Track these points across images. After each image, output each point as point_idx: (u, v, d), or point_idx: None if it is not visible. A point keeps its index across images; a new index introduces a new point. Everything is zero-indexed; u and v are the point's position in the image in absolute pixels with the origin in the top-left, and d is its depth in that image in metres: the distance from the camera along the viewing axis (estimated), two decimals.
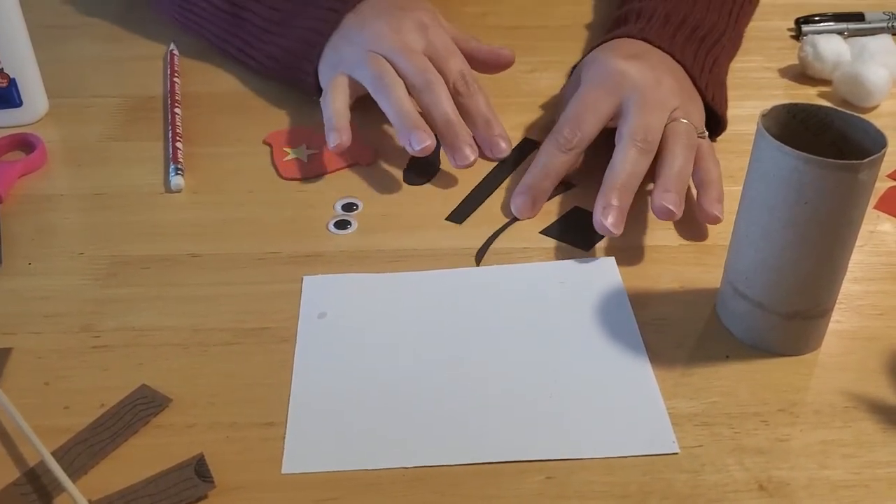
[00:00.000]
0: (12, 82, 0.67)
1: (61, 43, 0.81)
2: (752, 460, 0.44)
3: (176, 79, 0.74)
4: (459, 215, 0.61)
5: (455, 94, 0.64)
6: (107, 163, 0.65)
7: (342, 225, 0.59)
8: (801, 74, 0.77)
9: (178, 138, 0.66)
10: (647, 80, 0.61)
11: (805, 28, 0.83)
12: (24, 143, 0.67)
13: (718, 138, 0.67)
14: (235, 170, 0.65)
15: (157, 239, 0.58)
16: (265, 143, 0.67)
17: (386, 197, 0.62)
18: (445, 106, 0.63)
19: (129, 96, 0.74)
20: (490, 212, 0.61)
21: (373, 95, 0.64)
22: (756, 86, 0.76)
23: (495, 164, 0.65)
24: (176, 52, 0.78)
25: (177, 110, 0.70)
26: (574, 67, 0.68)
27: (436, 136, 0.62)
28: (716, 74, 0.68)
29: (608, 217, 0.55)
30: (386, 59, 0.64)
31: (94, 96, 0.74)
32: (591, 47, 0.68)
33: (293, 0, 0.71)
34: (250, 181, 0.63)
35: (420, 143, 0.60)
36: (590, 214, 0.59)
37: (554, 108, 0.72)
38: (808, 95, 0.75)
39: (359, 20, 0.68)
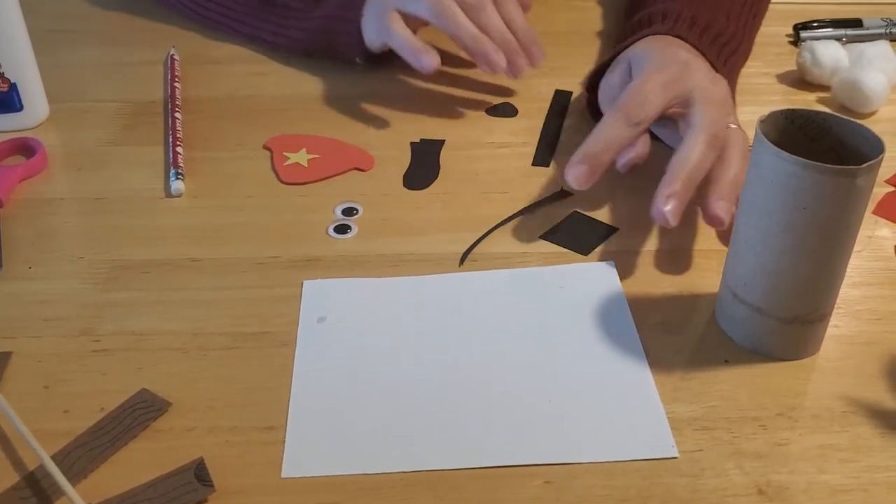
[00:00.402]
0: (13, 87, 0.68)
1: (62, 48, 0.81)
2: (751, 464, 0.44)
3: (176, 83, 0.74)
4: (543, 158, 0.65)
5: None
6: (107, 167, 0.66)
7: (342, 229, 0.59)
8: (800, 80, 0.78)
9: (178, 143, 0.66)
10: (708, 77, 0.61)
11: (803, 34, 0.84)
12: (25, 148, 0.67)
13: None
14: (236, 174, 0.65)
15: (157, 243, 0.58)
16: (265, 147, 0.68)
17: (386, 201, 0.62)
18: (498, 23, 0.69)
19: (130, 101, 0.74)
20: (488, 218, 0.61)
21: (435, 21, 0.68)
22: (755, 91, 0.76)
23: (543, 120, 0.71)
24: (177, 56, 0.78)
25: (177, 115, 0.70)
26: (604, 65, 0.67)
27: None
28: (731, 82, 0.68)
29: (668, 205, 0.53)
30: None
31: (95, 101, 0.74)
32: (622, 47, 0.66)
33: None
34: (250, 186, 0.64)
35: (499, 64, 0.68)
36: (589, 219, 0.59)
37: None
38: (807, 101, 0.75)
39: None
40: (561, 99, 0.71)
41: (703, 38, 0.67)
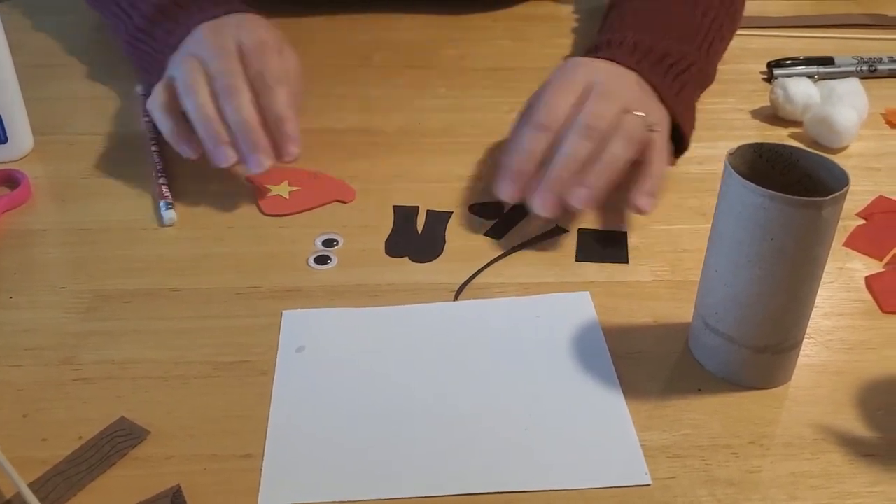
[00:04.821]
0: None
1: (48, 81, 0.82)
2: (723, 492, 0.44)
3: None
4: (498, 231, 0.63)
5: (254, 94, 0.64)
6: (90, 198, 0.66)
7: (322, 260, 0.60)
8: (773, 116, 0.79)
9: (161, 174, 0.67)
10: (612, 71, 0.66)
11: (777, 71, 0.85)
12: (9, 179, 0.68)
13: (691, 174, 0.69)
14: (217, 205, 0.65)
15: (139, 273, 0.58)
16: (247, 179, 0.68)
17: (366, 233, 0.63)
18: (241, 113, 0.62)
19: (114, 133, 0.74)
20: (469, 249, 0.62)
21: (180, 96, 0.64)
22: (729, 126, 0.78)
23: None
24: None
25: (161, 146, 0.71)
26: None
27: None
28: (684, 98, 0.70)
29: (539, 198, 0.60)
30: (200, 60, 0.65)
31: (79, 133, 0.75)
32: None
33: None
34: (232, 217, 0.64)
35: (223, 160, 0.62)
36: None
37: None
38: (780, 136, 0.77)
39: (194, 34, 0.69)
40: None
41: (643, 62, 0.69)
